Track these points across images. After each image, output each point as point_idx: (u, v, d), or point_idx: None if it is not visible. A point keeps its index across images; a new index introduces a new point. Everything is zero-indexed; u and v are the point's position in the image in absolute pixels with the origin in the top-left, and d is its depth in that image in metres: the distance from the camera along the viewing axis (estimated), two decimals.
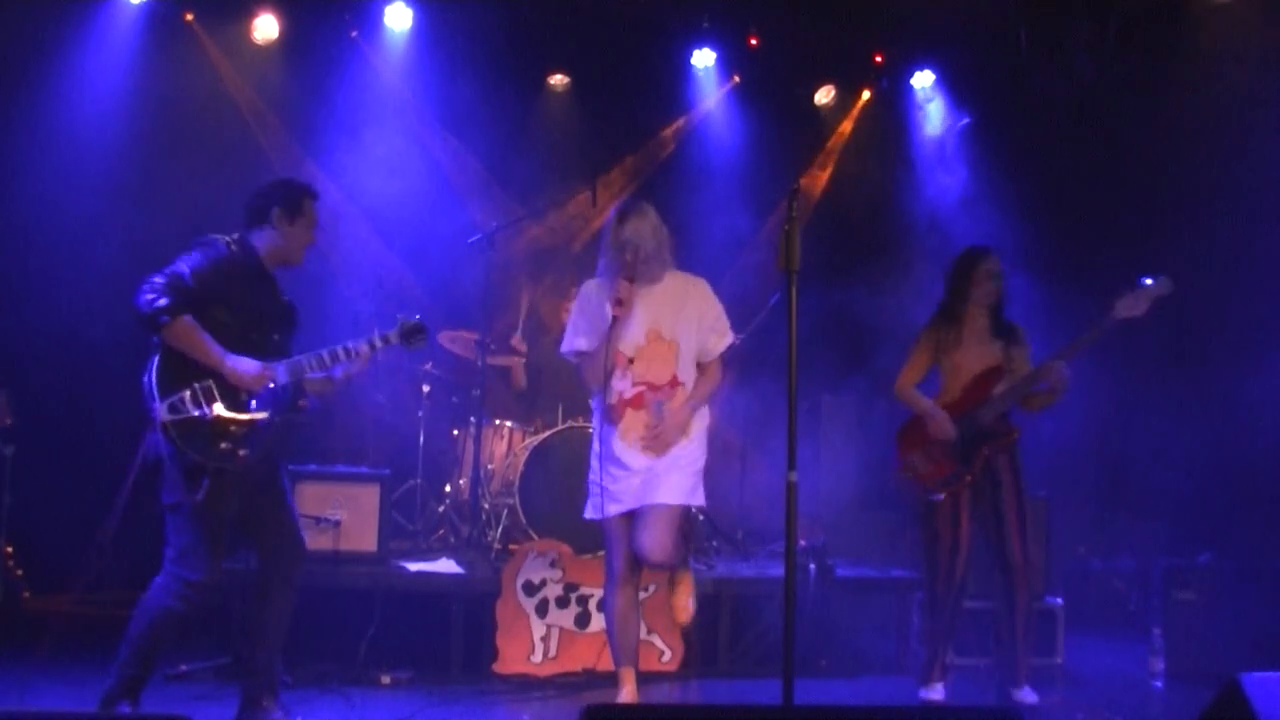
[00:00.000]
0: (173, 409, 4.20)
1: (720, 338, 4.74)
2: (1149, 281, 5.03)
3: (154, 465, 4.33)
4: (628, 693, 4.75)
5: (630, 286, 4.57)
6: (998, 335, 5.33)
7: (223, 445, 4.25)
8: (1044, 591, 6.09)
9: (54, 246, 6.97)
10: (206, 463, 4.23)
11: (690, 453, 4.69)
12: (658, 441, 4.59)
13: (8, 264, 6.98)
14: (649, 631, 5.93)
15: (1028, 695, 5.27)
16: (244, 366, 4.30)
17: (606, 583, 4.78)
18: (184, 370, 4.25)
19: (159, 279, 4.24)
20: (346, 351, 4.49)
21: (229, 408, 4.27)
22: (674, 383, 4.65)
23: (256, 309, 4.47)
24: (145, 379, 4.25)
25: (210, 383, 4.26)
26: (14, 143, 7.11)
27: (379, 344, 4.55)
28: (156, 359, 4.26)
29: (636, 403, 4.64)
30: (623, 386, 4.65)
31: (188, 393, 4.22)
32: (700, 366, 4.74)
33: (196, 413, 4.22)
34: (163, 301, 4.17)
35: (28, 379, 6.50)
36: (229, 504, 4.34)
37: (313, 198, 4.64)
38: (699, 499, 4.75)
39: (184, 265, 4.31)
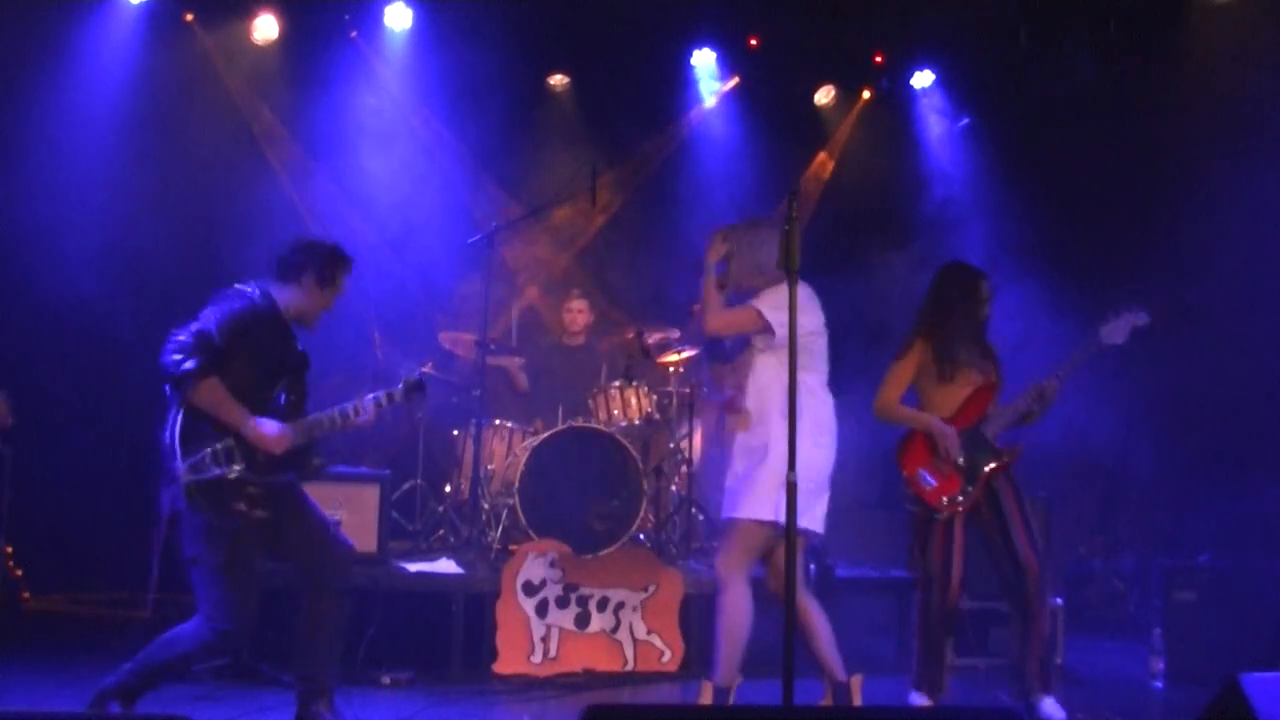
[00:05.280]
0: (194, 469, 4.21)
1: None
2: (1127, 312, 5.05)
3: (175, 517, 4.33)
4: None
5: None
6: (986, 353, 5.27)
7: (240, 505, 4.25)
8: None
9: (54, 247, 6.97)
10: (224, 523, 4.24)
11: (738, 466, 4.75)
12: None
13: (8, 264, 6.98)
14: (649, 632, 5.93)
15: (1051, 709, 4.93)
16: (265, 429, 4.30)
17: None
18: (205, 429, 4.24)
19: (185, 338, 4.22)
20: (356, 411, 4.52)
21: (248, 469, 4.28)
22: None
23: (275, 364, 4.46)
24: (166, 437, 4.24)
25: (231, 441, 4.26)
26: (14, 143, 7.11)
27: (384, 402, 4.60)
28: (179, 417, 4.24)
29: (730, 405, 4.83)
30: (725, 392, 4.91)
31: (209, 452, 4.23)
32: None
33: (218, 472, 4.22)
34: (190, 364, 4.17)
35: (28, 379, 6.50)
36: (253, 556, 4.35)
37: (347, 269, 4.63)
38: (734, 512, 4.69)
39: (211, 321, 4.29)
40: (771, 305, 4.63)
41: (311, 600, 4.50)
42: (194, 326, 4.27)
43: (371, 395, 4.59)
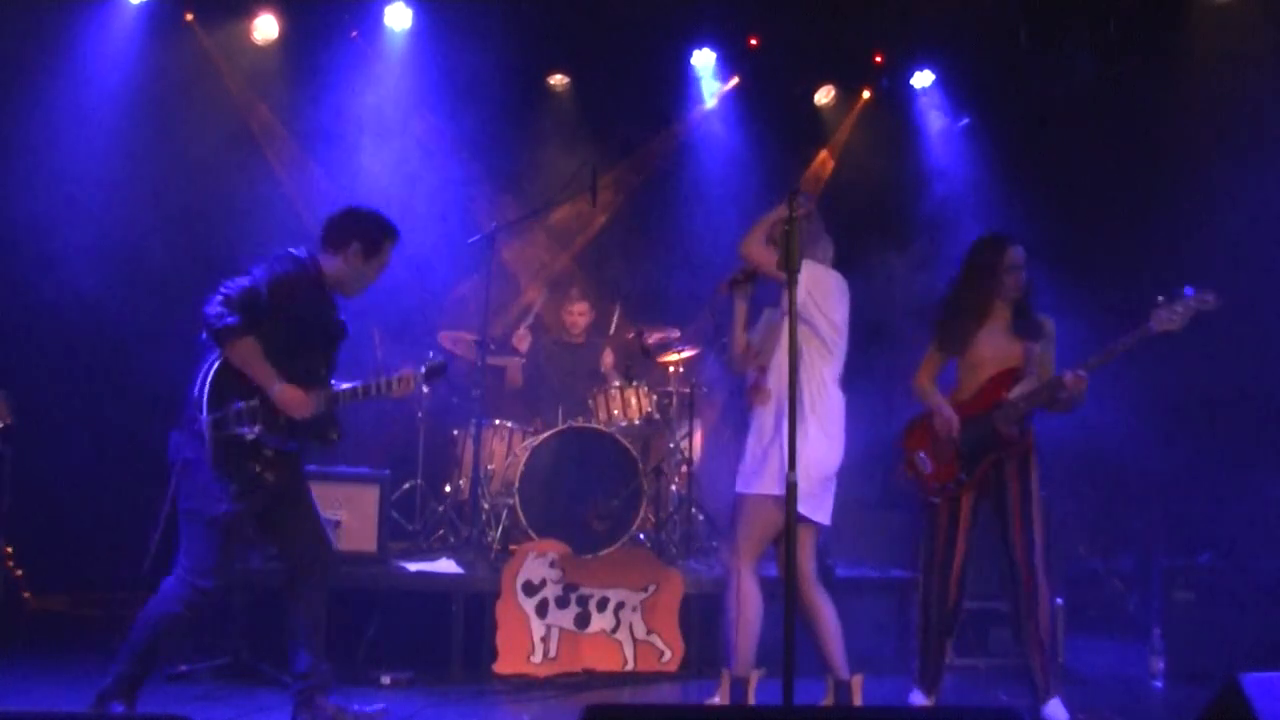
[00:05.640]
0: (218, 424, 4.24)
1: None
2: (1189, 293, 4.69)
3: (180, 468, 4.34)
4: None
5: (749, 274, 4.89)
6: (1021, 332, 5.04)
7: (255, 467, 4.30)
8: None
9: (54, 246, 6.97)
10: (236, 482, 4.27)
11: (747, 441, 4.82)
12: None
13: (8, 263, 6.98)
14: (649, 632, 5.93)
15: (1055, 711, 4.87)
16: (292, 394, 4.34)
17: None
18: (234, 386, 4.29)
19: (233, 292, 4.25)
20: (379, 386, 4.58)
21: (268, 431, 4.31)
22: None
23: (315, 329, 4.51)
24: (196, 388, 4.28)
25: (256, 402, 4.31)
26: (14, 142, 7.11)
27: (411, 379, 4.67)
28: (212, 371, 4.28)
29: (755, 387, 4.87)
30: (749, 375, 4.93)
31: (234, 410, 4.27)
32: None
33: (239, 430, 4.26)
34: (232, 319, 4.21)
35: (28, 379, 6.50)
36: (249, 518, 4.40)
37: (393, 241, 4.64)
38: (747, 488, 4.74)
39: (261, 280, 4.32)
40: (808, 272, 4.59)
41: (303, 593, 4.52)
42: (243, 282, 4.29)
43: (397, 372, 4.63)
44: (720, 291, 4.96)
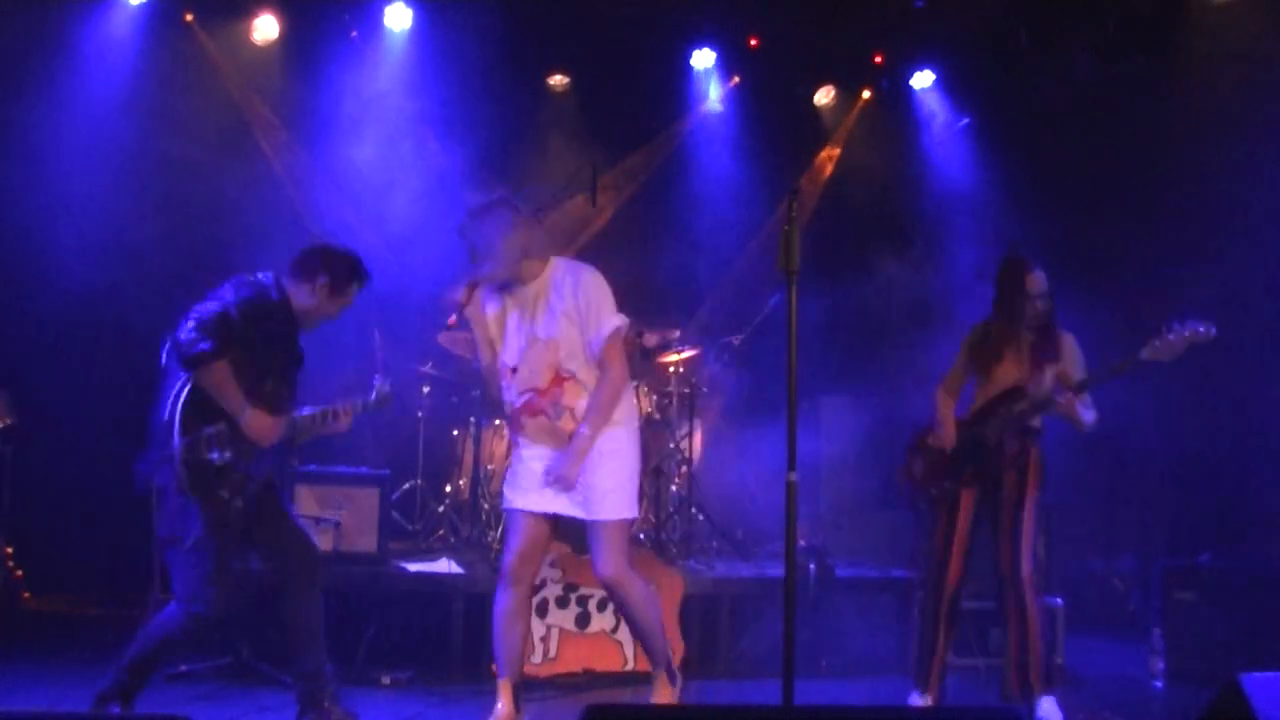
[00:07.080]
0: (190, 448, 4.25)
1: (599, 326, 4.50)
2: (1183, 326, 4.66)
3: (156, 496, 4.34)
4: (503, 706, 4.52)
5: (471, 290, 4.50)
6: (1041, 356, 5.07)
7: (222, 492, 4.30)
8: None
9: (54, 246, 6.97)
10: (204, 507, 4.28)
11: (605, 465, 4.47)
12: (561, 481, 4.41)
13: (8, 263, 6.99)
14: None
15: (1048, 710, 4.96)
16: (261, 421, 4.36)
17: (498, 580, 4.61)
18: (204, 411, 4.29)
19: (206, 317, 4.23)
20: (335, 413, 4.61)
21: (237, 456, 4.32)
22: (557, 380, 4.48)
23: (276, 356, 4.50)
24: (167, 413, 4.28)
25: (224, 427, 4.31)
26: (14, 142, 7.12)
27: (359, 409, 4.69)
28: (183, 396, 4.29)
29: (529, 410, 4.52)
30: (511, 397, 4.55)
31: (203, 436, 4.28)
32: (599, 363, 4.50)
33: (209, 456, 4.27)
34: (205, 345, 4.20)
35: (28, 378, 6.51)
36: (229, 535, 4.39)
37: (361, 285, 4.65)
38: (628, 511, 4.55)
39: (231, 305, 4.31)
40: (610, 298, 4.63)
41: (299, 597, 4.53)
42: (213, 307, 4.28)
43: (349, 402, 4.67)
44: (459, 310, 4.57)
